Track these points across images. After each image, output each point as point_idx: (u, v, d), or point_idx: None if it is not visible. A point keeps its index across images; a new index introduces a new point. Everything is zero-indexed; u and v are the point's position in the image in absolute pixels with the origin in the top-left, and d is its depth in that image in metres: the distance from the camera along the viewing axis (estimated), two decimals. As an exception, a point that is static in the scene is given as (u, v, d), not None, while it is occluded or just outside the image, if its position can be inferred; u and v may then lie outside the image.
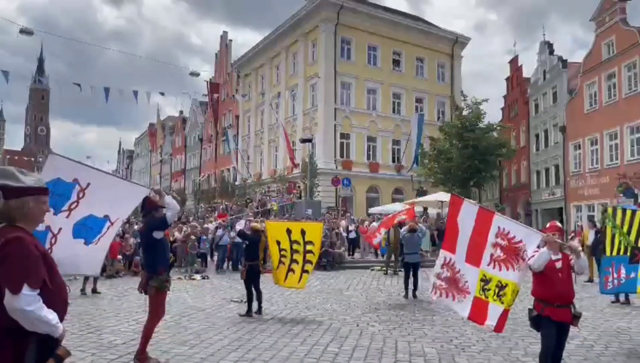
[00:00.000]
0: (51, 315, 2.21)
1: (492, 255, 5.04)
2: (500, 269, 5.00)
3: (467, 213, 5.36)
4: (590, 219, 20.00)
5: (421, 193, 29.49)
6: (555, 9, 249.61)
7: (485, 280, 5.09)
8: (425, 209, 23.74)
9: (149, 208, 5.49)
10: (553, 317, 4.45)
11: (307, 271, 8.96)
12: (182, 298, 10.57)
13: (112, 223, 4.64)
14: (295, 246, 8.80)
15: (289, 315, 8.62)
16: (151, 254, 5.64)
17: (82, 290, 11.00)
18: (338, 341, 6.62)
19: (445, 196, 23.52)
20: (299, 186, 30.38)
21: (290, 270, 8.85)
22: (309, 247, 8.82)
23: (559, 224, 4.95)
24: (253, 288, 8.65)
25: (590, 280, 13.52)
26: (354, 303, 10.06)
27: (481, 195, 34.88)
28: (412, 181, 32.14)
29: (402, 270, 12.26)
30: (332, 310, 9.23)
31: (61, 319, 2.31)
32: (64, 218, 4.40)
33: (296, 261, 8.81)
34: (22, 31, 19.96)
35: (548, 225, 4.89)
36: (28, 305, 2.14)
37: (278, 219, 20.57)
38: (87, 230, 4.55)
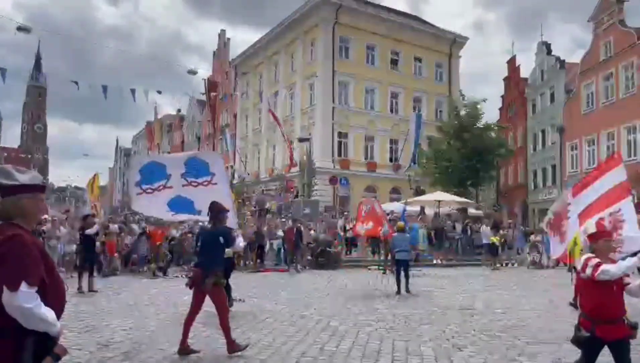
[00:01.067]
0: (49, 313, 2.22)
1: (602, 219, 5.01)
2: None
3: (614, 175, 5.47)
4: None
5: (419, 192, 29.54)
6: (554, 8, 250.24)
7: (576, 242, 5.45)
8: (423, 208, 23.77)
9: (216, 211, 6.00)
10: (607, 337, 3.85)
11: None
12: (179, 297, 10.56)
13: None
14: None
15: (286, 314, 8.63)
16: (212, 254, 5.93)
17: (79, 289, 10.97)
18: (335, 340, 6.63)
19: (443, 196, 23.58)
20: (296, 186, 30.36)
21: None
22: None
23: None
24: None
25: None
26: (352, 302, 10.07)
27: (478, 195, 34.93)
28: (409, 181, 32.17)
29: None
30: (329, 309, 9.24)
31: (59, 317, 2.32)
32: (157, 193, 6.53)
33: None
34: (20, 28, 19.87)
35: None
36: (26, 302, 2.14)
37: (276, 217, 20.59)
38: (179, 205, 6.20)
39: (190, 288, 5.96)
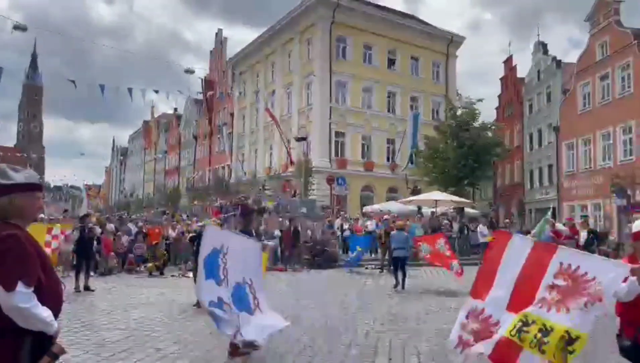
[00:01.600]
0: (46, 313, 2.21)
1: (544, 299, 3.76)
2: (549, 310, 3.68)
3: (516, 251, 4.14)
4: (583, 219, 20.13)
5: (416, 191, 29.57)
6: (551, 8, 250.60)
7: (525, 322, 3.76)
8: (420, 208, 23.80)
9: (245, 212, 6.24)
10: None
11: None
12: (176, 296, 10.56)
13: (250, 285, 5.16)
14: None
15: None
16: None
17: (77, 288, 10.96)
18: (332, 339, 6.64)
19: (439, 195, 23.61)
20: (293, 185, 30.36)
21: None
22: None
23: None
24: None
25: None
26: (348, 301, 10.08)
27: (475, 194, 34.99)
28: (406, 180, 32.21)
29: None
30: (326, 308, 9.25)
31: (56, 316, 2.31)
32: (226, 287, 4.94)
33: None
34: (16, 27, 19.80)
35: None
36: (23, 302, 2.13)
37: (273, 216, 20.58)
38: (241, 302, 5.02)
39: None
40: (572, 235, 14.03)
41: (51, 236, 12.66)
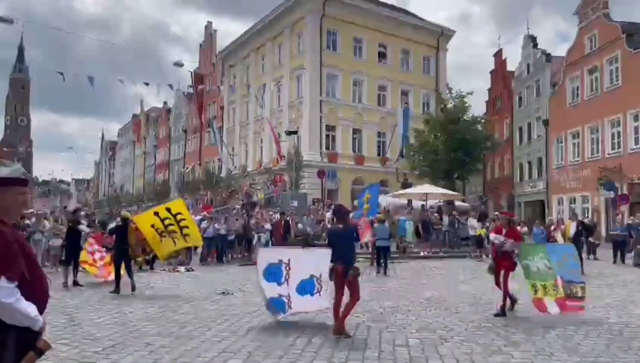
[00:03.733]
0: (30, 308, 2.19)
1: None
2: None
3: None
4: (572, 211, 20.33)
5: (406, 185, 29.65)
6: (538, 1, 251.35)
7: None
8: (410, 201, 23.86)
9: (342, 213, 7.23)
10: None
11: (187, 235, 10.53)
12: (166, 290, 10.52)
13: (318, 278, 6.96)
14: (167, 222, 10.37)
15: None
16: (349, 251, 6.83)
17: (65, 283, 10.87)
18: (323, 332, 6.65)
19: (430, 189, 23.70)
20: (284, 180, 30.33)
21: (172, 240, 10.51)
22: (179, 217, 10.39)
23: None
24: (125, 269, 10.32)
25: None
26: (339, 294, 10.08)
27: (465, 188, 35.17)
28: (397, 173, 32.29)
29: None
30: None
31: (42, 311, 2.29)
32: (286, 286, 7.05)
33: (174, 232, 10.38)
34: (1, 19, 19.50)
35: None
36: (6, 297, 2.11)
37: (265, 210, 20.55)
38: (307, 287, 7.00)
39: (332, 280, 6.77)
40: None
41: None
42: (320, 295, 7.00)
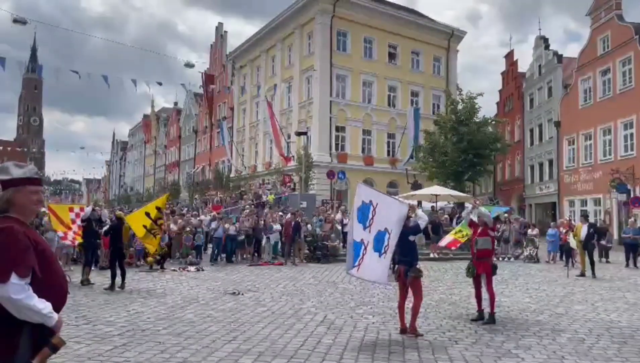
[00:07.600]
0: (42, 305, 2.21)
1: None
2: None
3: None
4: (584, 214, 20.13)
5: (416, 186, 29.57)
6: (547, 0, 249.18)
7: None
8: (420, 202, 23.79)
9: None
10: None
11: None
12: (177, 290, 10.59)
13: (389, 234, 6.66)
14: (160, 222, 11.19)
15: (283, 307, 8.66)
16: (410, 252, 6.89)
17: (84, 281, 11.07)
18: (332, 333, 6.66)
19: (439, 190, 23.62)
20: (293, 180, 30.35)
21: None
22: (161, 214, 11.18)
23: None
24: (118, 267, 10.67)
25: (582, 274, 13.66)
26: (348, 295, 10.11)
27: (475, 189, 35.00)
28: (406, 175, 32.19)
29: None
30: (326, 302, 9.28)
31: (59, 309, 2.32)
32: (368, 233, 6.67)
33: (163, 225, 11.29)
34: (16, 20, 19.75)
35: None
36: (16, 293, 2.15)
37: (274, 211, 20.59)
38: (379, 243, 6.64)
39: (396, 281, 6.99)
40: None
41: (74, 214, 12.72)
42: (385, 256, 6.67)
